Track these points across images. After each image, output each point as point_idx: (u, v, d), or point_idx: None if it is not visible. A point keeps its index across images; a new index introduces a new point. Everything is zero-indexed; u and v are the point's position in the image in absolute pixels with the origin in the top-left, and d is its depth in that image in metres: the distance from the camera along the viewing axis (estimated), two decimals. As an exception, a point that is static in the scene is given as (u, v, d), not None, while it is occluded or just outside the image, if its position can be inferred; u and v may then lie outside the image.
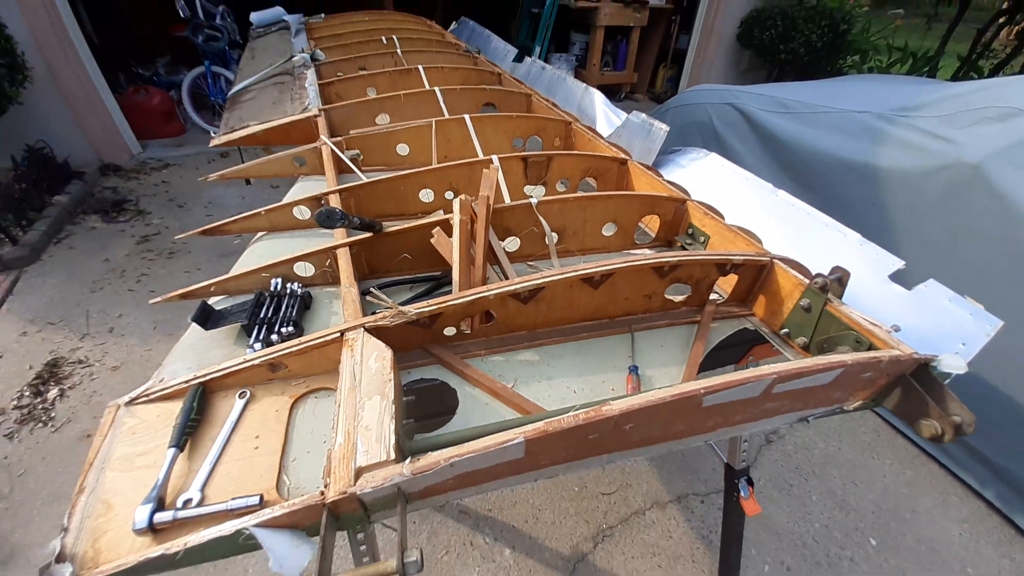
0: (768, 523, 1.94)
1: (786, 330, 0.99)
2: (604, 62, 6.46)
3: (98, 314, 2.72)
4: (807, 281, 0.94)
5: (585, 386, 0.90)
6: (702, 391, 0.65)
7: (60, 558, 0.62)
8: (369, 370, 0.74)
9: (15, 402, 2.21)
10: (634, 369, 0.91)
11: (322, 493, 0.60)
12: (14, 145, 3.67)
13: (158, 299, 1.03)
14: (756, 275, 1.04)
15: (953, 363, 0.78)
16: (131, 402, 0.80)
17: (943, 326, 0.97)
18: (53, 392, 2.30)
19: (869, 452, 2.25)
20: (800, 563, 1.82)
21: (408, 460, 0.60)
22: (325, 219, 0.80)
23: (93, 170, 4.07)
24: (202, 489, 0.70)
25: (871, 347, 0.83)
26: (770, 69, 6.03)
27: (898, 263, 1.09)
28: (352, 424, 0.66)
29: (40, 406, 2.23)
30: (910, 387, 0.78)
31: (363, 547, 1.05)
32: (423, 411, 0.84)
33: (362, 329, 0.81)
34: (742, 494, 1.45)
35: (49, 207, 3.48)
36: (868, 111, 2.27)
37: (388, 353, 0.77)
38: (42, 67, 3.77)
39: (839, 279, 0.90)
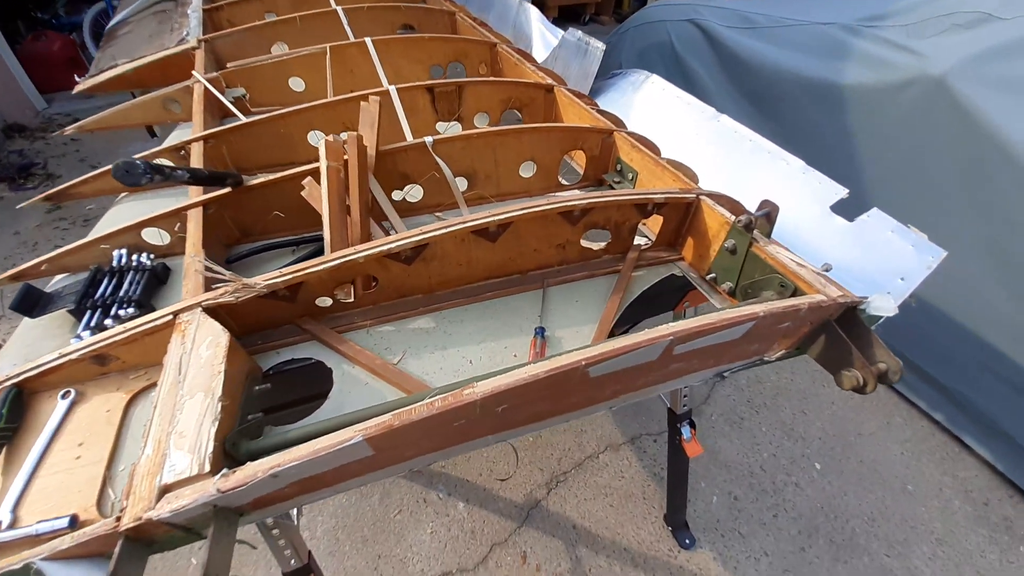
0: (718, 456, 1.97)
1: (713, 275, 0.88)
2: (565, -20, 5.88)
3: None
4: (733, 219, 0.82)
5: (484, 354, 0.79)
6: (583, 363, 0.54)
7: None
8: (199, 360, 0.61)
9: (-77, 394, 2.03)
10: (540, 332, 0.81)
11: (117, 519, 0.49)
12: None
13: (-22, 283, 0.86)
14: (683, 215, 0.92)
15: (883, 305, 0.69)
16: (-66, 411, 0.67)
17: (884, 259, 0.89)
18: (-31, 380, 2.12)
19: (820, 381, 2.28)
20: (747, 492, 1.87)
21: (221, 474, 0.49)
22: (124, 175, 0.62)
23: (-8, 131, 3.61)
24: (13, 510, 0.59)
25: (796, 291, 0.73)
26: (743, -18, 5.56)
27: (841, 192, 0.98)
28: (165, 431, 0.55)
29: (-43, 395, 2.07)
30: (834, 334, 0.70)
31: (281, 541, 0.99)
32: (291, 397, 0.73)
33: (199, 309, 0.67)
34: (684, 436, 1.44)
35: (-58, 176, 3.09)
36: (834, 22, 2.07)
37: (224, 337, 0.63)
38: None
39: (767, 215, 0.79)
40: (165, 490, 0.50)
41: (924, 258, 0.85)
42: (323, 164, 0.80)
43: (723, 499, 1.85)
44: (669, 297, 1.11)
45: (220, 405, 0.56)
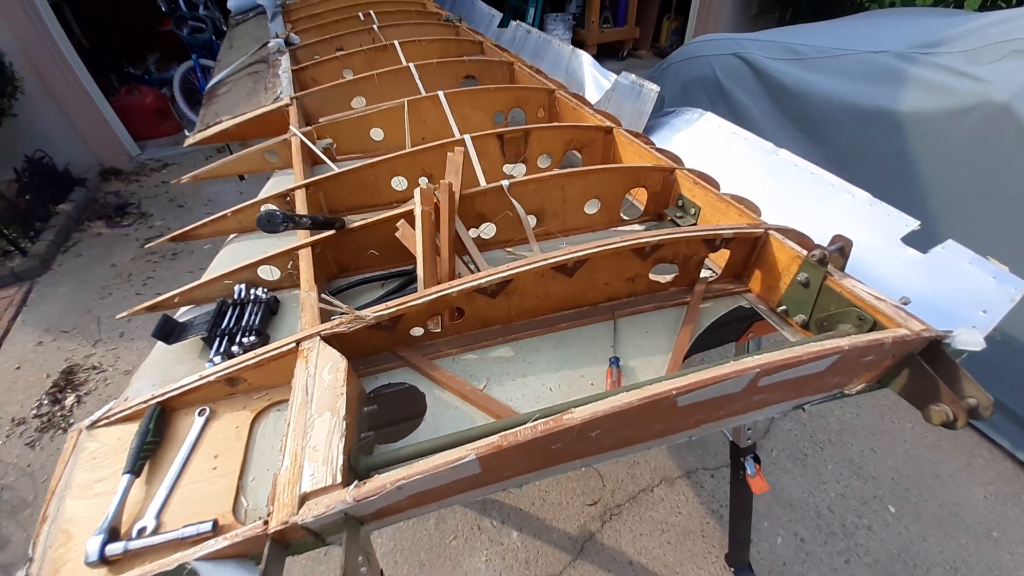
0: (782, 495, 1.89)
1: (784, 307, 0.90)
2: (603, 18, 6.12)
3: (108, 319, 2.78)
4: (804, 253, 0.85)
5: (562, 382, 0.84)
6: (674, 392, 0.58)
7: (23, 590, 0.61)
8: (322, 383, 0.70)
9: (35, 411, 2.28)
10: (615, 361, 0.85)
11: (265, 523, 0.56)
12: (14, 157, 3.70)
13: (124, 314, 1.00)
14: (750, 249, 0.95)
15: (969, 339, 0.69)
16: (92, 425, 0.78)
17: (962, 292, 0.88)
18: (70, 399, 2.37)
19: (889, 417, 2.16)
20: (815, 534, 1.77)
21: (353, 485, 0.56)
22: (266, 223, 0.75)
23: (94, 176, 4.10)
24: (158, 516, 0.67)
25: (875, 325, 0.74)
26: (782, 12, 5.60)
27: (912, 224, 0.98)
28: (300, 445, 0.63)
29: (59, 413, 2.31)
30: (919, 368, 0.70)
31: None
32: (390, 418, 0.80)
33: (318, 338, 0.77)
34: (748, 472, 1.40)
35: (54, 216, 3.53)
36: (887, 51, 2.07)
37: (343, 363, 0.72)
38: (32, 76, 3.74)
39: (840, 249, 0.81)
40: (305, 498, 0.57)
41: (1007, 290, 0.83)
42: (418, 209, 0.89)
43: (788, 540, 1.76)
44: (735, 328, 1.13)
45: (345, 423, 0.64)
